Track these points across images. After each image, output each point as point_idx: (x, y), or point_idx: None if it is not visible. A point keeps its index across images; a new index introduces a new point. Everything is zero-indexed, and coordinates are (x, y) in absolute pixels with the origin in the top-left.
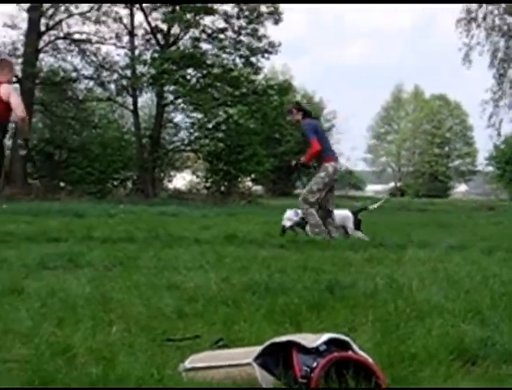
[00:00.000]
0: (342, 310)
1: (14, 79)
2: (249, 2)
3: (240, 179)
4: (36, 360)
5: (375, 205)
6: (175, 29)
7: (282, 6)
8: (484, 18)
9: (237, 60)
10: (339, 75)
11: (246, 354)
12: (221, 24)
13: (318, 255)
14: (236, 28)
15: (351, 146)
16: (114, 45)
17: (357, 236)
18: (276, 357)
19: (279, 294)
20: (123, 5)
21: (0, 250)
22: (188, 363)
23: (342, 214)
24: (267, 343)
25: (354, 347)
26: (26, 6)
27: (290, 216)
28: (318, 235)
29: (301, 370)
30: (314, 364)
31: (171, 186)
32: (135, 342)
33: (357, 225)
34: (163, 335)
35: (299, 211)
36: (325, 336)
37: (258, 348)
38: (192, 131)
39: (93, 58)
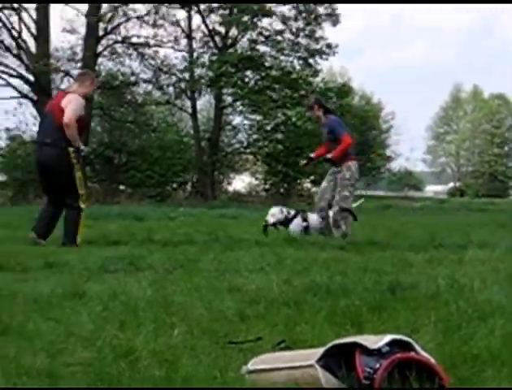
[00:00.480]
0: (403, 312)
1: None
2: (308, 2)
3: (299, 181)
4: (98, 363)
5: (354, 205)
6: (233, 31)
7: (340, 8)
8: None
9: (295, 62)
10: (397, 76)
11: (309, 356)
12: (278, 26)
13: (378, 256)
14: (293, 30)
15: (410, 147)
16: (172, 48)
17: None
18: (339, 359)
19: (340, 296)
20: (180, 8)
21: (61, 254)
22: (250, 365)
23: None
24: (330, 344)
25: (417, 348)
26: (84, 10)
27: (275, 213)
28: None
29: (364, 372)
30: (377, 365)
31: (230, 188)
32: (197, 345)
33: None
34: (225, 338)
35: (284, 209)
36: (387, 337)
37: (320, 350)
38: (250, 133)
39: (152, 62)
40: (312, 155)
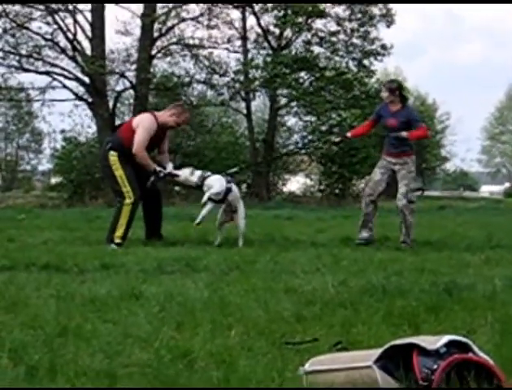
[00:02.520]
0: (460, 312)
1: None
2: (362, 2)
3: (354, 182)
4: (156, 364)
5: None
6: (287, 32)
7: (395, 9)
8: None
9: (350, 63)
10: (452, 76)
11: (366, 357)
12: (333, 27)
13: (434, 257)
14: (347, 31)
15: (465, 148)
16: (227, 49)
17: (241, 228)
18: (396, 360)
19: (397, 297)
20: (234, 8)
21: (117, 255)
22: (308, 366)
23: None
24: (387, 345)
25: (475, 349)
26: (139, 12)
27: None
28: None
29: (422, 373)
30: (435, 366)
31: (285, 189)
32: (254, 345)
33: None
34: (282, 339)
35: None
36: (445, 338)
37: (378, 351)
38: (305, 134)
39: (206, 63)
40: (348, 134)
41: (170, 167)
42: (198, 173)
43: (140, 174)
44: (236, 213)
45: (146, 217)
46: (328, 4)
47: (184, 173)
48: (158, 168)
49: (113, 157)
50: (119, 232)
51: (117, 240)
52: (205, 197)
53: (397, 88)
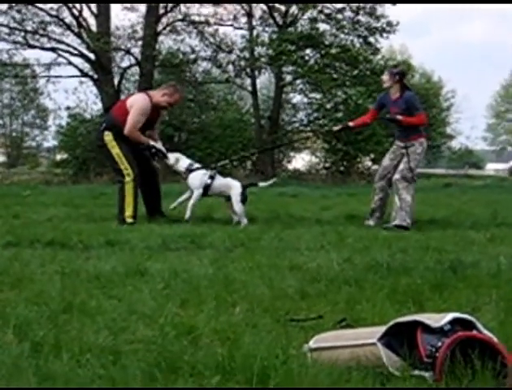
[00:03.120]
0: (465, 290)
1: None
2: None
3: (359, 159)
4: (161, 341)
5: (266, 184)
6: (293, 9)
7: None
8: None
9: (355, 40)
10: (457, 54)
11: (371, 334)
12: (339, 4)
13: (439, 235)
14: (354, 8)
15: (470, 125)
16: (232, 26)
17: (238, 212)
18: (401, 337)
19: (402, 274)
20: None
21: (122, 232)
22: (312, 343)
23: (229, 183)
24: (392, 323)
25: (479, 326)
26: None
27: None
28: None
29: (426, 350)
30: (439, 344)
31: (290, 167)
32: (259, 323)
33: (244, 200)
34: (287, 316)
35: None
36: (449, 316)
37: (382, 328)
38: (310, 111)
39: (211, 40)
40: (350, 124)
41: (161, 146)
42: (185, 164)
43: (137, 151)
44: (229, 200)
45: (145, 196)
46: None
47: (171, 159)
48: (152, 143)
49: (107, 137)
50: (129, 211)
51: (129, 220)
52: (181, 198)
53: (399, 74)
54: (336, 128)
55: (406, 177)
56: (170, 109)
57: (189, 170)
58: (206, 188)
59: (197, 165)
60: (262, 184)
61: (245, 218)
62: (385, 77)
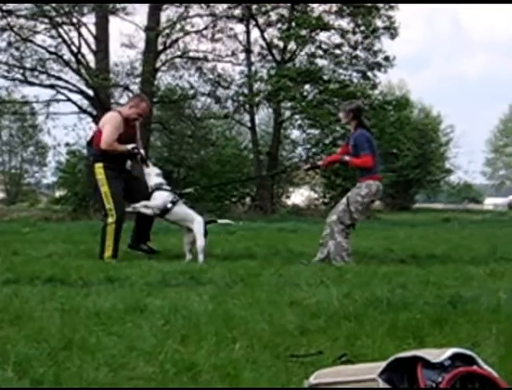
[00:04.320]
0: (465, 325)
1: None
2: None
3: None
4: (161, 377)
5: (224, 222)
6: (292, 45)
7: (398, 21)
8: None
9: (353, 75)
10: (456, 89)
11: (371, 370)
12: (337, 40)
13: (439, 270)
14: (351, 44)
15: (468, 160)
16: (231, 62)
17: (201, 246)
18: (401, 373)
19: (401, 309)
20: (238, 22)
21: (122, 269)
22: (312, 379)
23: (192, 215)
24: (392, 358)
25: (479, 362)
26: (143, 25)
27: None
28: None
29: (427, 385)
30: (440, 379)
31: (289, 202)
32: (259, 359)
33: (205, 235)
34: (287, 352)
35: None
36: (450, 351)
37: (382, 364)
38: (309, 147)
39: (210, 76)
40: (319, 163)
41: (142, 153)
42: (157, 181)
43: (130, 179)
44: (191, 231)
45: (137, 222)
46: (332, 16)
47: (148, 170)
48: (131, 146)
49: (99, 169)
50: (108, 253)
51: (108, 260)
52: (138, 204)
53: (352, 111)
54: (305, 167)
55: (343, 221)
56: (141, 120)
57: (157, 187)
58: (165, 212)
59: (166, 187)
60: (220, 221)
61: (202, 256)
62: (340, 114)
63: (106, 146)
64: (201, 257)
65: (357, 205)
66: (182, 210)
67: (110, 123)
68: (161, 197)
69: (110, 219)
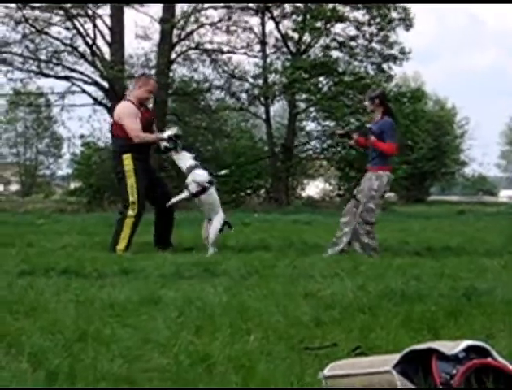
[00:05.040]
0: (480, 317)
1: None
2: (380, 2)
3: None
4: (175, 369)
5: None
6: (306, 37)
7: (413, 12)
8: None
9: (368, 67)
10: (471, 81)
11: (385, 362)
12: (352, 32)
13: (453, 262)
14: (367, 36)
15: (482, 152)
16: (246, 54)
17: (212, 238)
18: (415, 365)
19: (416, 301)
20: (253, 14)
21: (136, 261)
22: (327, 371)
23: (219, 209)
24: (406, 350)
25: (494, 354)
26: (158, 17)
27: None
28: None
29: (441, 377)
30: (454, 371)
31: (304, 194)
32: (273, 350)
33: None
34: (301, 344)
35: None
36: (464, 343)
37: (396, 356)
38: (324, 139)
39: (225, 68)
40: (354, 135)
41: (170, 132)
42: (193, 162)
43: (155, 183)
44: (210, 222)
45: (157, 223)
46: (347, 8)
47: (180, 156)
48: (161, 135)
49: (127, 160)
50: (122, 246)
51: (119, 253)
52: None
53: (377, 97)
54: (339, 131)
55: (367, 220)
56: (152, 97)
57: (193, 167)
58: (201, 192)
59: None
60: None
61: (213, 248)
62: (366, 103)
63: (135, 137)
64: (211, 250)
65: (375, 201)
66: (215, 195)
67: (127, 113)
68: (200, 175)
69: (131, 212)
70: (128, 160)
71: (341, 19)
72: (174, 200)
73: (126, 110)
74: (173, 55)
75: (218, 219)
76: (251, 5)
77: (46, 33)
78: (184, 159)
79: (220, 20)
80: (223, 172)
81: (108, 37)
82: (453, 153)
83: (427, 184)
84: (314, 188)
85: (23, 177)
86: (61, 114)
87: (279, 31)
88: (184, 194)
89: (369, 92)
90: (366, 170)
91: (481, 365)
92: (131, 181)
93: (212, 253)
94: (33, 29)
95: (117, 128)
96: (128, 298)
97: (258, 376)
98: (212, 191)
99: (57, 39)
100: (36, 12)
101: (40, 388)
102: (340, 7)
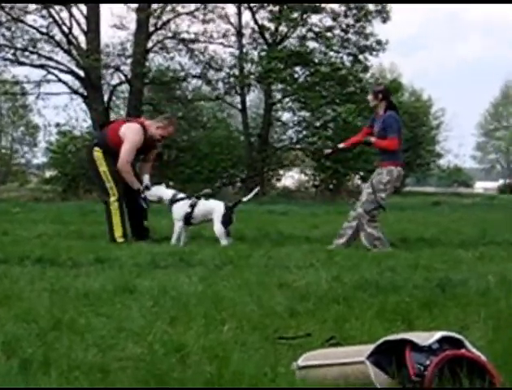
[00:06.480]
0: (454, 308)
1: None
2: (360, 2)
3: (348, 177)
4: (149, 358)
5: (250, 196)
6: (283, 28)
7: (390, 5)
8: None
9: (345, 58)
10: (447, 73)
11: (359, 352)
12: (328, 22)
13: (428, 253)
14: (343, 27)
15: (459, 143)
16: (222, 44)
17: (218, 232)
18: (389, 356)
19: (391, 292)
20: (230, 4)
21: (111, 250)
22: (301, 361)
23: (211, 205)
24: (380, 341)
25: (468, 345)
26: (134, 6)
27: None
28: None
29: (415, 368)
30: (428, 362)
31: (279, 184)
32: (247, 340)
33: (227, 221)
34: (275, 334)
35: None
36: (438, 334)
37: (370, 347)
38: (299, 129)
39: (201, 58)
40: (340, 145)
41: (146, 179)
42: (169, 194)
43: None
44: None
45: (130, 215)
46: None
47: (153, 192)
48: (137, 186)
49: (97, 152)
50: (119, 232)
51: (120, 240)
52: (174, 236)
53: (380, 92)
54: (327, 151)
55: (368, 210)
56: (163, 141)
57: (172, 201)
58: (188, 218)
59: (180, 195)
60: (245, 198)
61: (225, 241)
62: (370, 97)
63: (121, 168)
64: (223, 242)
65: (382, 194)
66: (201, 208)
67: (131, 140)
68: (179, 210)
69: (113, 198)
70: (97, 152)
71: (318, 9)
72: (172, 240)
73: (133, 137)
74: (149, 44)
75: (215, 214)
76: None
77: (22, 21)
78: (160, 194)
79: (197, 9)
80: (206, 191)
81: (84, 26)
82: (429, 145)
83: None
84: (289, 179)
85: None
86: (36, 103)
87: (255, 21)
88: (176, 230)
89: (373, 86)
90: (377, 165)
91: (455, 356)
92: (103, 168)
93: (226, 243)
94: (9, 17)
95: (114, 133)
96: (102, 287)
97: (232, 366)
98: (197, 209)
99: (33, 27)
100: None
101: (13, 376)
102: None
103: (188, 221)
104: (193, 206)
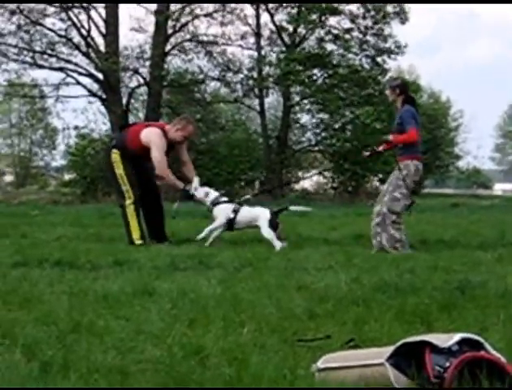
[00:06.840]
0: (473, 310)
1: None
2: (378, 2)
3: (367, 179)
4: (169, 361)
5: (297, 208)
6: (301, 29)
7: (409, 6)
8: None
9: (363, 60)
10: (465, 74)
11: (379, 354)
12: (347, 24)
13: (447, 255)
14: (361, 29)
15: (477, 145)
16: (240, 46)
17: (267, 237)
18: (409, 358)
19: (410, 294)
20: (248, 6)
21: (130, 252)
22: (320, 363)
23: (256, 212)
24: (400, 343)
25: (487, 347)
26: (153, 9)
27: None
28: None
29: (434, 370)
30: (447, 364)
31: (298, 187)
32: (266, 343)
33: (273, 226)
34: (294, 336)
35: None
36: (457, 336)
37: (390, 349)
38: (318, 131)
39: (220, 60)
40: (379, 148)
41: (196, 182)
42: (212, 197)
43: (140, 172)
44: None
45: (147, 218)
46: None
47: (199, 194)
48: (191, 188)
49: (115, 154)
50: (136, 234)
51: (138, 242)
52: (206, 231)
53: (397, 86)
54: (366, 154)
55: (393, 210)
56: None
57: (215, 203)
58: (231, 223)
59: (223, 199)
60: (293, 207)
61: (278, 243)
62: (387, 91)
63: (161, 173)
64: (277, 245)
65: (402, 190)
66: (246, 214)
67: (157, 144)
68: (221, 213)
69: (128, 201)
70: (115, 154)
71: (336, 11)
72: (205, 231)
73: (157, 142)
74: (168, 47)
75: (261, 221)
76: None
77: (41, 24)
78: (204, 195)
79: (215, 11)
80: (247, 197)
81: (103, 29)
82: (448, 146)
83: (423, 177)
84: (308, 181)
85: (17, 168)
86: (55, 106)
87: (273, 23)
88: (216, 224)
89: (390, 81)
90: (397, 161)
91: (474, 358)
92: (119, 171)
93: (278, 248)
94: (28, 20)
95: (135, 137)
96: (121, 290)
97: (251, 369)
98: (240, 215)
99: (51, 30)
100: (31, 3)
101: (33, 379)
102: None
103: (230, 226)
104: (236, 212)
